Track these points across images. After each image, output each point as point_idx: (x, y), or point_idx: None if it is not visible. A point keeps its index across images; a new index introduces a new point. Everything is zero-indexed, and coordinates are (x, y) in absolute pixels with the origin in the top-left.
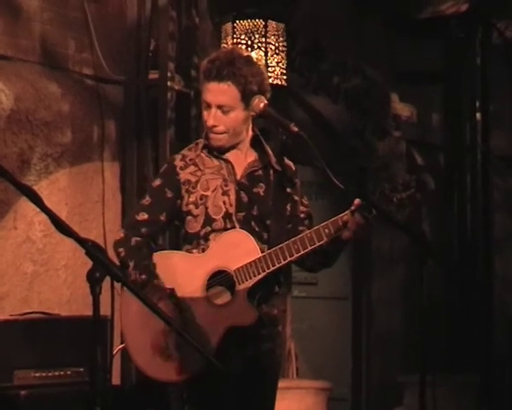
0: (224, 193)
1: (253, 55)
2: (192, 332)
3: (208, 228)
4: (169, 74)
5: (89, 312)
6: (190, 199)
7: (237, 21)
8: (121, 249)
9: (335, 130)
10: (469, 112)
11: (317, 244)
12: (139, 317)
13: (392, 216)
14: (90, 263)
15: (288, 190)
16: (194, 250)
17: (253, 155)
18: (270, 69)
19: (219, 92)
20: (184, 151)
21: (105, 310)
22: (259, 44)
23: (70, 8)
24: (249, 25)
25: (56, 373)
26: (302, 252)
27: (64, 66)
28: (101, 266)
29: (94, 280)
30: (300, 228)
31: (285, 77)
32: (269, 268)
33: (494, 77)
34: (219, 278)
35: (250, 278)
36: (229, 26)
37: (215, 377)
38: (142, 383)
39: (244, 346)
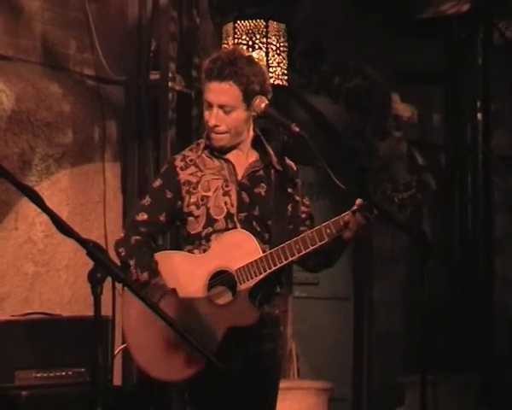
0: (225, 193)
1: (254, 55)
2: (193, 332)
3: (210, 229)
4: (170, 75)
5: (90, 312)
6: (191, 200)
7: (238, 22)
8: (121, 249)
9: (336, 130)
10: (470, 112)
11: (319, 244)
12: (141, 317)
13: (393, 216)
14: (91, 263)
15: (290, 190)
16: (196, 251)
17: (254, 156)
18: (271, 70)
19: (221, 92)
20: (185, 152)
21: (106, 310)
22: (260, 45)
23: (71, 9)
24: (250, 25)
25: (57, 374)
26: (303, 252)
27: (65, 66)
28: (103, 266)
29: (95, 281)
30: (302, 228)
31: (286, 77)
32: (270, 268)
33: (495, 77)
34: (221, 278)
35: (251, 278)
36: (230, 26)
37: (216, 378)
38: (143, 383)
39: (245, 346)
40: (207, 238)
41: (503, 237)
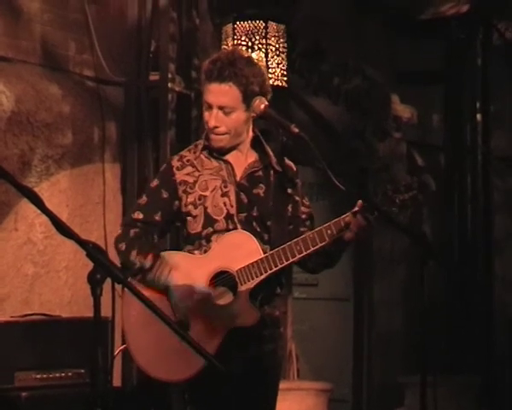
0: (224, 194)
1: (254, 56)
2: (194, 333)
3: (210, 229)
4: (169, 76)
5: (89, 313)
6: (189, 200)
7: (238, 23)
8: (122, 244)
9: (336, 131)
10: (470, 113)
11: (319, 245)
12: (141, 317)
13: (394, 218)
14: (90, 265)
15: (289, 190)
16: (196, 251)
17: (253, 156)
18: (270, 70)
19: (221, 93)
20: (183, 152)
21: (106, 312)
22: (260, 46)
23: (70, 10)
24: (250, 26)
25: (57, 375)
26: (304, 253)
27: (65, 67)
28: (102, 267)
29: (95, 282)
30: (302, 229)
31: (285, 78)
32: (271, 269)
33: (495, 78)
34: (221, 279)
35: (252, 279)
36: (229, 27)
37: (217, 378)
38: (143, 384)
39: (246, 347)
40: (208, 239)
41: (503, 237)
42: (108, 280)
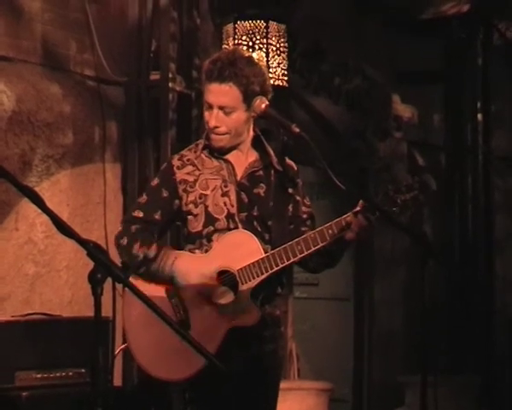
0: (224, 194)
1: (255, 56)
2: (194, 332)
3: (211, 228)
4: (170, 75)
5: (90, 313)
6: (189, 198)
7: (238, 22)
8: (123, 239)
9: (336, 131)
10: (470, 112)
11: (321, 245)
12: (141, 316)
13: (395, 218)
14: (91, 264)
15: (290, 190)
16: (197, 251)
17: (254, 156)
18: (271, 70)
19: (221, 93)
20: (183, 151)
21: (106, 311)
22: (260, 45)
23: (71, 9)
24: (250, 26)
25: (58, 374)
26: (306, 253)
27: (65, 67)
28: (103, 267)
29: (95, 281)
30: (302, 229)
31: (286, 78)
32: (272, 269)
33: (495, 77)
34: (222, 278)
35: (253, 279)
36: (230, 27)
37: (217, 378)
38: (143, 383)
39: (247, 346)
40: (209, 238)
41: (504, 237)
42: (109, 280)
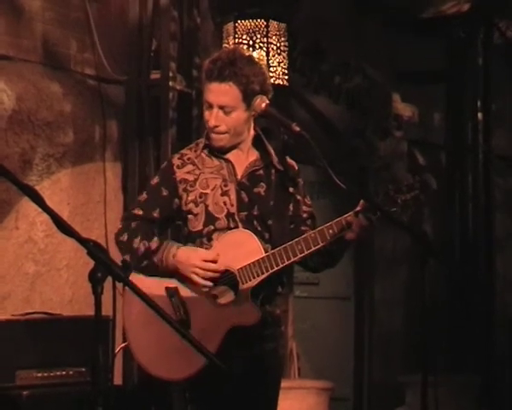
0: (224, 193)
1: (255, 55)
2: (195, 331)
3: (211, 227)
4: (171, 74)
5: (91, 312)
6: (189, 198)
7: (239, 21)
8: (123, 235)
9: (337, 129)
10: (471, 112)
11: (321, 245)
12: (142, 315)
13: (396, 218)
14: (91, 263)
15: (291, 189)
16: None
17: (254, 155)
18: (271, 69)
19: (221, 93)
20: (184, 150)
21: (107, 310)
22: (261, 44)
23: (72, 9)
24: (251, 25)
25: (58, 373)
26: (306, 252)
27: (66, 66)
28: (103, 266)
29: (96, 280)
30: (303, 228)
31: (286, 77)
32: (272, 268)
33: (495, 77)
34: (223, 278)
35: (254, 278)
36: (230, 26)
37: (218, 377)
38: (144, 382)
39: (247, 346)
40: (209, 237)
41: (504, 236)
42: (109, 278)
